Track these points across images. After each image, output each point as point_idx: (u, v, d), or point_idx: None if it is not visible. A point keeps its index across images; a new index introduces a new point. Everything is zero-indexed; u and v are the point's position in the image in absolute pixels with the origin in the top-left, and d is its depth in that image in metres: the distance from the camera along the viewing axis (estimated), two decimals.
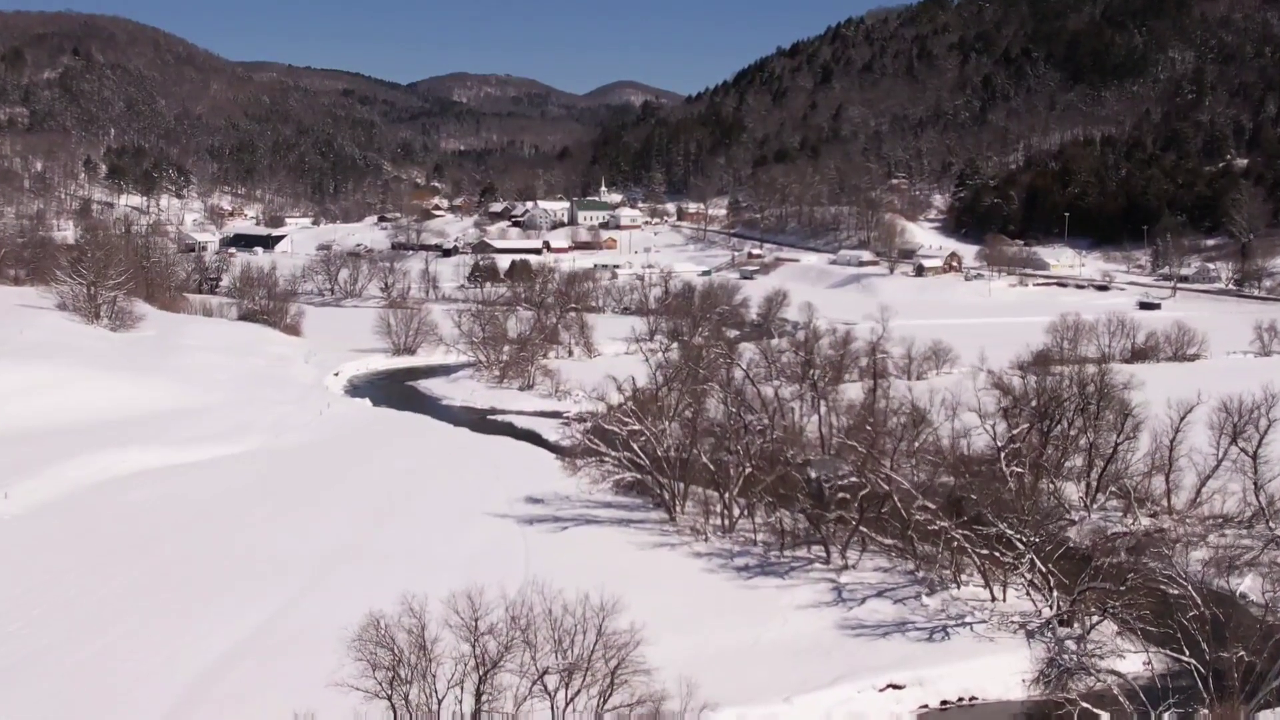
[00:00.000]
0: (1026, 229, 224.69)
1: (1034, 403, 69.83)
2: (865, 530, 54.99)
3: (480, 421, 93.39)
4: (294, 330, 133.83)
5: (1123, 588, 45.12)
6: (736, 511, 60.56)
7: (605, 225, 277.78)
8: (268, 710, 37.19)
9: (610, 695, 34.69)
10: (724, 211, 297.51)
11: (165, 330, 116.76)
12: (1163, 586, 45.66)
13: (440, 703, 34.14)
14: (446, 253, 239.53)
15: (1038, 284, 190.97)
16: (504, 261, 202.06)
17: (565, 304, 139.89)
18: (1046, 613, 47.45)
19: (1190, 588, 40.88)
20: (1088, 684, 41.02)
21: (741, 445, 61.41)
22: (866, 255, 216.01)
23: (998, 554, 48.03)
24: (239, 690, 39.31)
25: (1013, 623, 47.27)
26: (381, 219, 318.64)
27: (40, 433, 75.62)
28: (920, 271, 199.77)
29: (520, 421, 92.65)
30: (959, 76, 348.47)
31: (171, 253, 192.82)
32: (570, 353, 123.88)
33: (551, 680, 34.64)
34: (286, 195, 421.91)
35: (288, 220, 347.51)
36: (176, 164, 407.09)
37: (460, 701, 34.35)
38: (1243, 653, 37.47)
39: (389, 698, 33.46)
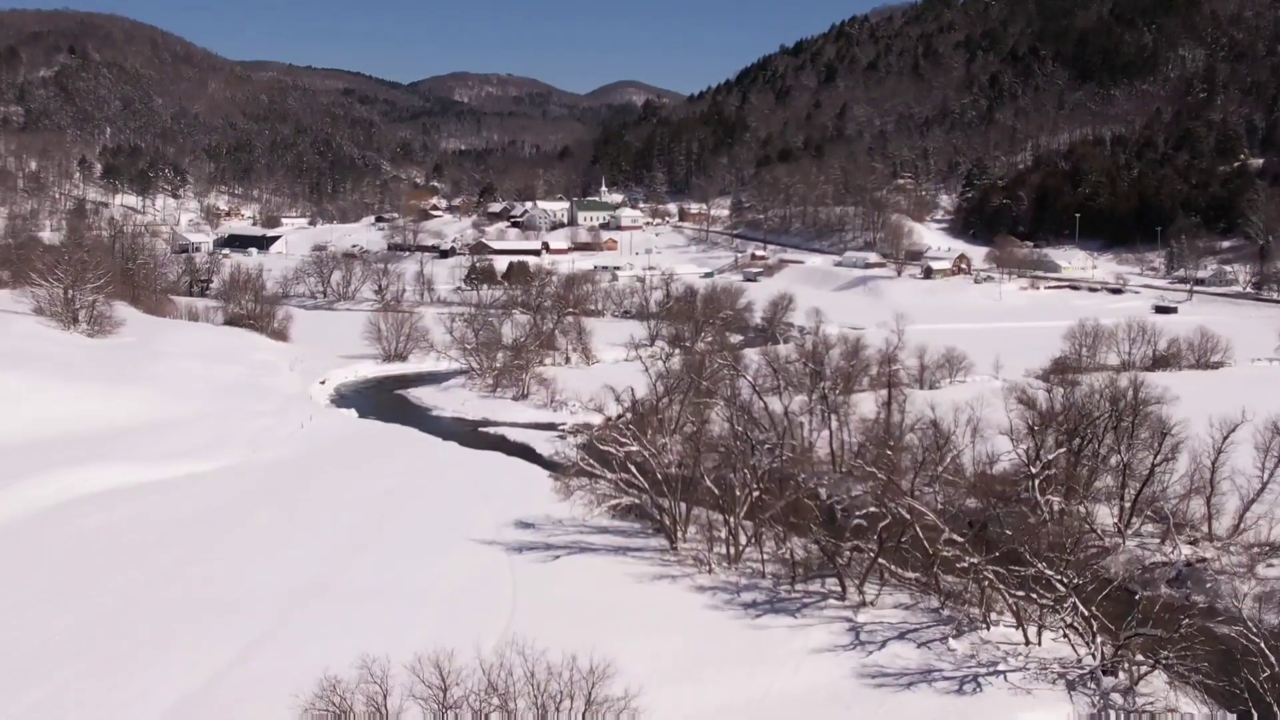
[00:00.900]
0: (1036, 230, 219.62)
1: (1061, 418, 65.15)
2: (884, 563, 50.25)
3: (471, 434, 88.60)
4: (281, 335, 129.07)
5: (1177, 633, 40.32)
6: (743, 539, 55.76)
7: (606, 226, 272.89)
8: None
9: None
10: (727, 212, 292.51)
11: (145, 336, 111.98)
12: (1221, 630, 41.01)
13: None
14: (444, 254, 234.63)
15: (1049, 287, 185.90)
16: (501, 263, 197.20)
17: (563, 308, 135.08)
18: (1089, 661, 42.62)
19: (1263, 643, 35.93)
20: None
21: (748, 468, 56.57)
22: (873, 257, 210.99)
23: (1035, 595, 43.19)
24: None
25: (1052, 671, 42.46)
26: (379, 219, 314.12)
27: None
28: (929, 274, 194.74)
29: (513, 434, 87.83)
30: (965, 75, 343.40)
31: (160, 254, 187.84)
32: (567, 359, 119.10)
33: None
34: (284, 195, 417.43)
35: (284, 220, 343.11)
36: (173, 163, 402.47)
37: None
38: None
39: None
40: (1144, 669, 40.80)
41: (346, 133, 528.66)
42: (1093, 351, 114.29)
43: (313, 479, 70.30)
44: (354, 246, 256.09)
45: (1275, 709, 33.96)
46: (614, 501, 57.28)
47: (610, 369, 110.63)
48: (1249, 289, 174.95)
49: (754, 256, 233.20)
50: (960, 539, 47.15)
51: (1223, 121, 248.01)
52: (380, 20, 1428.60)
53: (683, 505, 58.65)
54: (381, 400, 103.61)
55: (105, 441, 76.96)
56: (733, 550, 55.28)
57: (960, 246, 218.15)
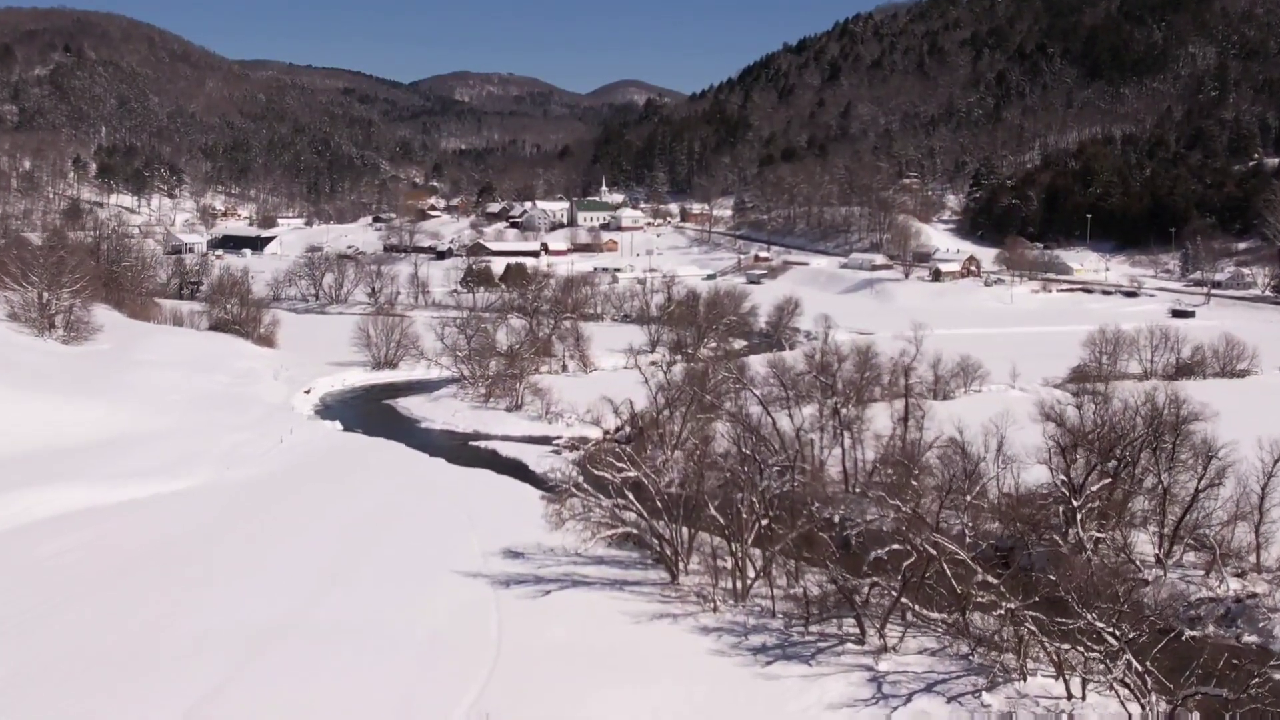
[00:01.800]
0: (1046, 231, 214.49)
1: (1093, 435, 60.27)
2: (907, 602, 45.42)
3: (460, 449, 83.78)
4: (268, 341, 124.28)
5: (1245, 694, 35.49)
6: (751, 572, 50.95)
7: (606, 226, 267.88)
8: None
9: None
10: (729, 212, 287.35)
11: (123, 342, 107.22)
12: None
13: None
14: (440, 255, 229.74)
15: (1061, 289, 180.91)
16: (499, 265, 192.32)
17: (560, 313, 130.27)
18: None
19: None
20: None
21: (756, 495, 51.72)
22: (879, 259, 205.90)
23: (1082, 649, 38.30)
24: None
25: None
26: (376, 219, 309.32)
27: None
28: (937, 276, 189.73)
29: (505, 449, 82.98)
30: (972, 73, 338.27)
31: (149, 255, 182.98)
32: (564, 367, 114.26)
33: None
34: (281, 195, 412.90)
35: (280, 221, 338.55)
36: (169, 163, 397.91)
37: None
38: None
39: None
40: None
41: (345, 132, 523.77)
42: (1113, 359, 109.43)
43: (286, 501, 65.50)
44: (350, 247, 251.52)
45: None
46: (609, 532, 52.47)
47: (609, 377, 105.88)
48: (1268, 292, 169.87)
49: (757, 258, 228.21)
50: (995, 580, 42.34)
51: (1235, 120, 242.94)
52: (381, 19, 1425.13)
53: (685, 531, 53.98)
54: (368, 411, 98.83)
55: (70, 458, 72.33)
56: (740, 585, 50.52)
57: (968, 248, 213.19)
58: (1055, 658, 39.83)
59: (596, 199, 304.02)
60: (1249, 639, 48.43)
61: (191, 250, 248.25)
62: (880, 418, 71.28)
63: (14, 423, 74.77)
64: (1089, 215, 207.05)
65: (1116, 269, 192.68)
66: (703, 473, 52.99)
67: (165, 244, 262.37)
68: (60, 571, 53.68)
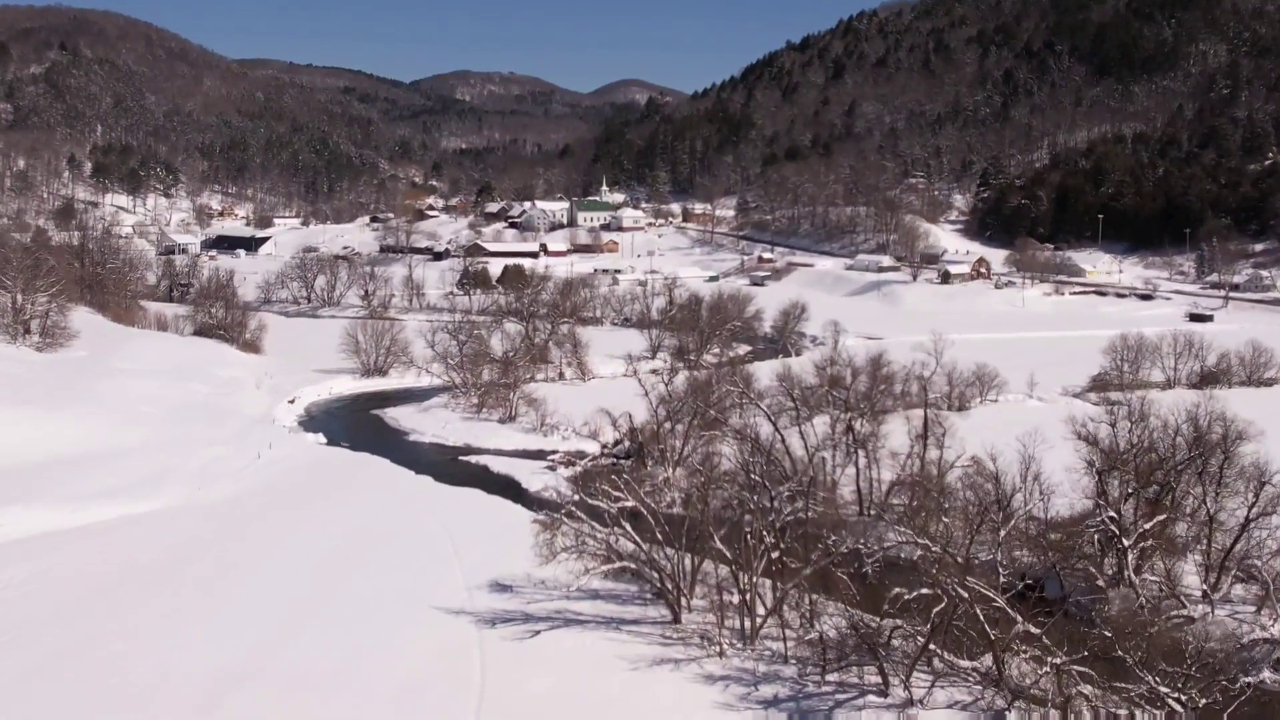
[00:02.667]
0: (1056, 232, 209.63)
1: (1129, 454, 55.56)
2: (935, 649, 40.83)
3: (449, 464, 79.12)
4: (253, 347, 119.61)
5: None
6: (761, 610, 46.31)
7: (606, 227, 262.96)
8: None
9: None
10: (732, 212, 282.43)
11: (100, 349, 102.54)
12: None
13: None
14: (438, 256, 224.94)
15: (1074, 292, 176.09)
16: (497, 266, 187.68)
17: (558, 317, 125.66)
18: None
19: None
20: None
21: (766, 524, 47.09)
22: (886, 260, 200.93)
23: (1142, 712, 33.68)
24: None
25: None
26: (373, 219, 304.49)
27: None
28: (946, 278, 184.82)
29: (497, 464, 78.30)
30: (978, 71, 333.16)
31: (136, 256, 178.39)
32: (561, 374, 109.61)
33: None
34: (279, 195, 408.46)
35: (277, 220, 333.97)
36: (164, 162, 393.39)
37: None
38: None
39: None
40: None
41: (344, 131, 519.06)
42: (1135, 367, 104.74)
43: (259, 524, 60.88)
44: (346, 248, 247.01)
45: None
46: (605, 567, 47.85)
47: (608, 386, 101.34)
48: None
49: (761, 259, 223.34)
50: (1037, 629, 37.71)
51: (1249, 119, 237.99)
52: (382, 19, 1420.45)
53: (689, 560, 49.38)
54: (355, 422, 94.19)
55: (34, 476, 67.85)
56: (749, 625, 45.91)
57: (977, 249, 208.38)
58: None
59: (597, 199, 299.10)
60: None
61: (185, 251, 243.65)
62: (897, 434, 66.60)
63: None
64: (1100, 215, 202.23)
65: (1130, 271, 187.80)
66: (707, 500, 48.30)
67: (158, 244, 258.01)
68: (14, 604, 49.49)
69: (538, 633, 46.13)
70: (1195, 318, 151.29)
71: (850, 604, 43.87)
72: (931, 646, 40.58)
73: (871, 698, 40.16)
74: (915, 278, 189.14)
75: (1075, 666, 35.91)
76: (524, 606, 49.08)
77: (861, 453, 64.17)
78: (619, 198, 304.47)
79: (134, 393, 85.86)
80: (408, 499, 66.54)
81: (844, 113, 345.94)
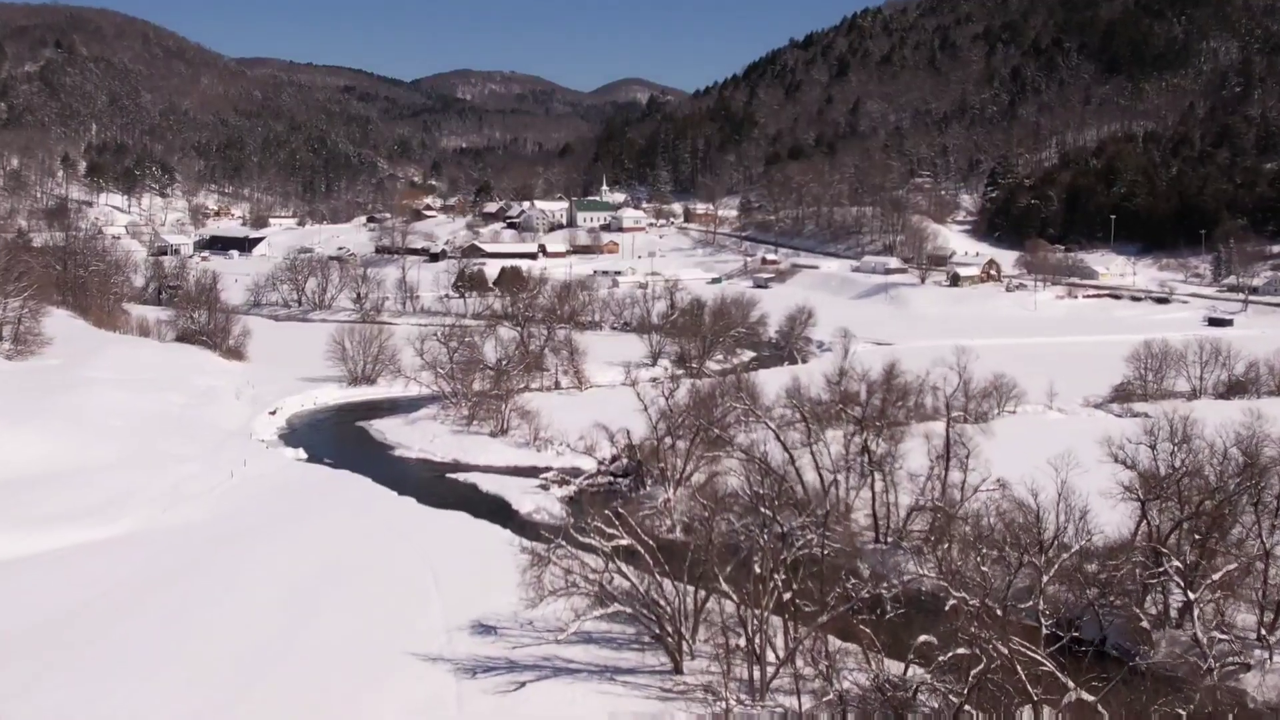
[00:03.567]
0: (1067, 233, 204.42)
1: (1171, 479, 50.69)
2: (971, 710, 35.97)
3: (435, 482, 74.35)
4: (236, 354, 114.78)
5: None
6: (772, 658, 41.48)
7: (606, 227, 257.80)
8: None
9: None
10: (735, 213, 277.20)
11: (75, 356, 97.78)
12: None
13: None
14: (434, 257, 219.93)
15: (1088, 295, 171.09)
16: (494, 268, 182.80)
17: (555, 322, 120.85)
18: None
19: None
20: None
21: (778, 562, 42.23)
22: (893, 262, 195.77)
23: None
24: None
25: None
26: (371, 219, 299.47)
27: None
28: (956, 281, 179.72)
29: (486, 482, 73.44)
30: (985, 68, 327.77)
31: (121, 257, 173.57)
32: (557, 383, 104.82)
33: None
34: (276, 194, 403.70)
35: (273, 221, 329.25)
36: (160, 161, 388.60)
37: None
38: None
39: None
40: None
41: (342, 130, 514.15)
42: (1159, 376, 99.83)
43: (223, 554, 56.01)
44: (341, 249, 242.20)
45: None
46: (598, 612, 43.03)
47: (606, 396, 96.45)
48: None
49: (765, 261, 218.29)
50: (1091, 695, 32.87)
51: (1263, 117, 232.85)
52: (383, 18, 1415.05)
53: (692, 595, 44.58)
54: (339, 434, 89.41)
55: None
56: (758, 675, 41.08)
57: (986, 250, 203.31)
58: None
59: (597, 199, 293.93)
60: None
61: (178, 252, 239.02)
62: (915, 453, 61.64)
63: None
64: (1113, 216, 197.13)
65: (1143, 273, 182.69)
66: (712, 538, 43.45)
67: (151, 245, 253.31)
68: None
69: (522, 684, 41.39)
70: (1214, 322, 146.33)
71: (871, 650, 39.07)
72: (967, 708, 35.78)
73: None
74: (924, 280, 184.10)
75: None
76: (509, 652, 44.29)
77: (878, 475, 59.37)
78: (620, 197, 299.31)
79: (104, 404, 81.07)
80: (387, 524, 61.68)
81: (848, 111, 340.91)
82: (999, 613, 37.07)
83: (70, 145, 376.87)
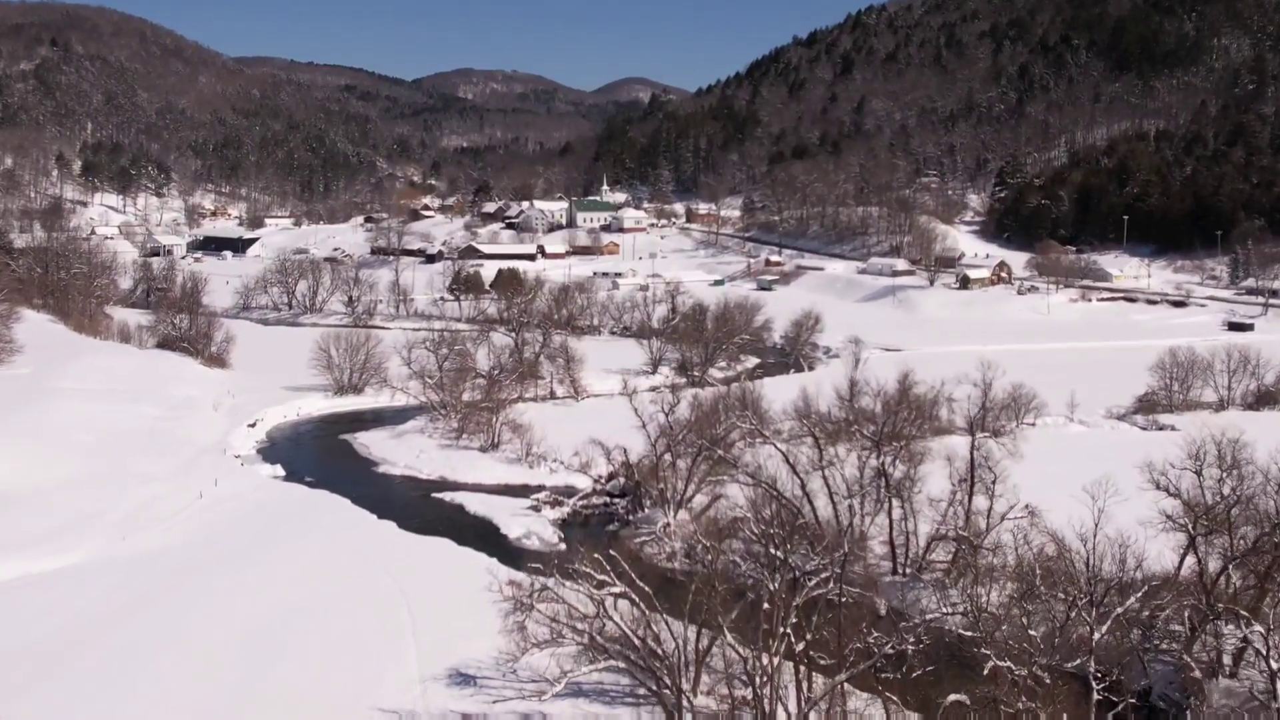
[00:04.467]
0: (1079, 234, 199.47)
1: (1223, 509, 45.98)
2: None
3: (420, 502, 69.71)
4: (219, 361, 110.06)
5: None
6: (782, 715, 36.79)
7: (607, 228, 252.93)
8: None
9: None
10: (738, 213, 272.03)
11: (46, 364, 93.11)
12: None
13: None
14: (430, 258, 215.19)
15: (1102, 299, 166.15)
16: (491, 270, 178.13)
17: (551, 327, 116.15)
18: None
19: None
20: None
21: (791, 609, 37.51)
22: (900, 264, 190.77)
23: None
24: None
25: None
26: (368, 219, 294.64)
27: None
28: (965, 283, 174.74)
29: (474, 503, 68.73)
30: (992, 66, 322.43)
31: (107, 259, 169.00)
32: (552, 393, 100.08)
33: None
34: (273, 194, 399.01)
35: (269, 221, 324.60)
36: (156, 160, 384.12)
37: None
38: None
39: None
40: None
41: (341, 129, 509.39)
42: (1185, 386, 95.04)
43: (181, 589, 51.33)
44: (336, 249, 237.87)
45: None
46: (589, 667, 38.35)
47: (603, 407, 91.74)
48: None
49: (768, 262, 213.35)
50: None
51: (1277, 115, 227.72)
52: (384, 17, 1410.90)
53: (693, 641, 39.93)
54: (321, 449, 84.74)
55: None
56: None
57: (995, 251, 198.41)
58: None
59: (597, 198, 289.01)
60: None
61: (170, 253, 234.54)
62: (935, 475, 56.86)
63: None
64: (1126, 217, 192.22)
65: (1158, 275, 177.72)
66: (715, 582, 38.72)
67: (143, 246, 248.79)
68: None
69: None
70: (1234, 326, 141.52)
71: (896, 711, 34.47)
72: None
73: None
74: (932, 282, 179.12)
75: None
76: (489, 708, 39.62)
77: (896, 500, 54.66)
78: (620, 197, 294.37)
79: (69, 417, 76.41)
80: (364, 553, 56.92)
81: (853, 110, 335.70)
82: (1046, 680, 32.29)
83: (65, 144, 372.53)
